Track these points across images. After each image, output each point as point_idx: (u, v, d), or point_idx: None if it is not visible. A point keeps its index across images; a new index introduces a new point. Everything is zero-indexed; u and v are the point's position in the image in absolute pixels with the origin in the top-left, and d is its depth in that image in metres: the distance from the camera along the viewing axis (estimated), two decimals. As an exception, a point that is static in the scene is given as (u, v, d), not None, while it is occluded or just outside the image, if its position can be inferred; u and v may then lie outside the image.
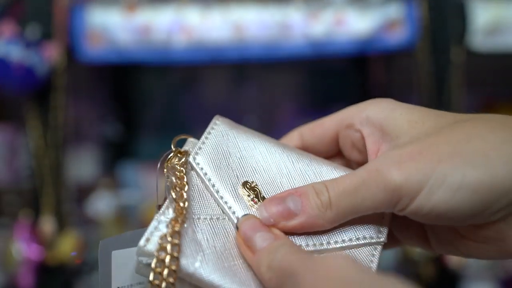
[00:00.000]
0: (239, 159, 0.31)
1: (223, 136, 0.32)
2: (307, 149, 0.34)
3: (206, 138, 0.31)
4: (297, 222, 0.27)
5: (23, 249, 0.98)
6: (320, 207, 0.27)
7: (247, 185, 0.30)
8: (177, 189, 0.28)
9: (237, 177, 0.30)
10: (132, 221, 1.19)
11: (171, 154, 0.30)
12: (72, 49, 1.04)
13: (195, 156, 0.30)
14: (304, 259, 0.24)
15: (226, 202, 0.29)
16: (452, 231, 0.29)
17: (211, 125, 0.32)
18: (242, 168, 0.30)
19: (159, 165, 0.29)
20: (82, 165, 1.27)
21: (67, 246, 0.99)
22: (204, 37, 1.04)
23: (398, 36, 1.05)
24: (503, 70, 1.27)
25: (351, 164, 0.35)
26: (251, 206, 0.29)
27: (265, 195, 0.29)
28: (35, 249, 0.98)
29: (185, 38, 1.04)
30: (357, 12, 1.05)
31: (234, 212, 0.28)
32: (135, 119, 1.42)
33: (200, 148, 0.31)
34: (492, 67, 1.26)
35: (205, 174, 0.30)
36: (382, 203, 0.26)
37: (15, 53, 0.93)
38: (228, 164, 0.30)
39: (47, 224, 0.99)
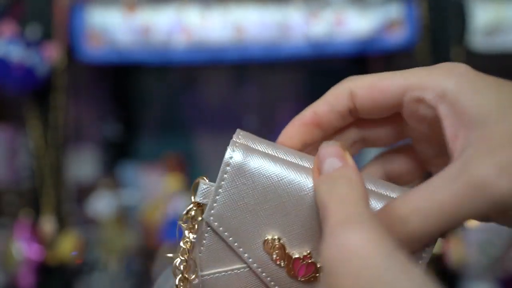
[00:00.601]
0: (259, 210, 0.26)
1: (237, 185, 0.26)
2: (358, 113, 0.29)
3: (219, 190, 0.26)
4: None
5: (23, 249, 0.98)
6: (412, 240, 0.24)
7: (269, 243, 0.26)
8: (188, 245, 0.27)
9: (259, 232, 0.26)
10: (132, 221, 1.19)
11: (191, 206, 0.27)
12: (72, 49, 1.04)
13: (210, 216, 0.26)
14: (346, 215, 0.21)
15: (249, 258, 0.26)
16: None
17: (225, 163, 0.27)
18: (263, 220, 0.26)
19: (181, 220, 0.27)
20: (82, 165, 1.27)
21: (67, 246, 0.99)
22: (204, 38, 1.04)
23: (398, 36, 1.05)
24: (503, 70, 1.27)
25: (413, 133, 0.30)
26: (277, 265, 0.26)
27: (289, 251, 0.26)
28: (35, 249, 0.98)
29: (185, 39, 1.04)
30: (357, 12, 1.05)
31: (259, 269, 0.26)
32: (135, 119, 1.43)
33: (214, 203, 0.26)
34: (492, 67, 1.26)
35: (225, 234, 0.26)
36: (486, 216, 0.24)
37: (15, 53, 0.93)
38: (246, 218, 0.26)
39: (47, 224, 0.99)
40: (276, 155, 0.27)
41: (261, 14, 1.04)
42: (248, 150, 0.27)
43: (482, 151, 0.23)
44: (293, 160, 0.27)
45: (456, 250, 0.98)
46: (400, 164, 0.32)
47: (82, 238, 1.04)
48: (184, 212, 0.27)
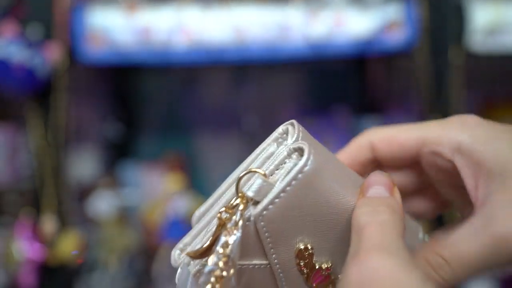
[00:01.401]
0: (307, 221, 0.25)
1: (300, 195, 0.24)
2: (378, 163, 0.31)
3: (281, 194, 0.24)
4: None
5: (24, 248, 0.98)
6: (443, 283, 0.25)
7: (302, 252, 0.26)
8: (226, 239, 0.24)
9: (297, 239, 0.26)
10: (133, 221, 1.19)
11: (237, 201, 0.24)
12: (73, 50, 1.05)
13: (260, 216, 0.24)
14: (379, 245, 0.22)
15: (275, 259, 0.26)
16: None
17: (298, 169, 0.24)
18: (306, 230, 0.26)
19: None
20: (83, 165, 1.28)
21: (68, 246, 1.00)
22: (204, 38, 1.05)
23: (398, 37, 1.06)
24: (503, 70, 1.27)
25: (432, 181, 0.31)
26: (299, 271, 0.26)
27: (315, 260, 0.26)
28: (36, 248, 0.98)
29: (185, 39, 1.04)
30: (357, 13, 1.05)
31: (279, 270, 0.26)
32: (136, 119, 1.43)
33: (270, 205, 0.24)
34: (491, 68, 1.26)
35: (265, 235, 0.25)
36: (507, 268, 0.25)
37: (16, 53, 0.94)
38: (292, 225, 0.25)
39: (48, 224, 0.99)
40: (341, 172, 0.27)
41: (261, 15, 1.05)
42: (321, 163, 0.25)
43: (504, 204, 0.24)
44: (352, 181, 0.27)
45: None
46: (420, 203, 0.34)
47: (83, 237, 1.05)
48: (230, 204, 0.24)
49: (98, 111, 1.38)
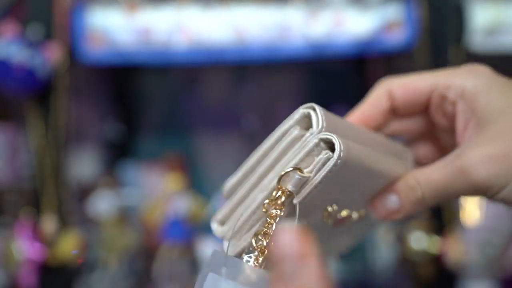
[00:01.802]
0: (337, 192, 0.28)
1: (333, 179, 0.27)
2: (394, 111, 0.34)
3: (319, 184, 0.26)
4: (399, 216, 0.31)
5: (24, 248, 0.98)
6: (415, 203, 0.30)
7: (328, 212, 0.29)
8: (266, 237, 0.26)
9: (325, 204, 0.29)
10: (133, 221, 1.19)
11: (278, 193, 0.26)
12: (73, 50, 1.05)
13: (299, 203, 0.26)
14: None
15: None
16: None
17: (333, 163, 0.26)
18: (335, 197, 0.29)
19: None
20: (83, 164, 1.28)
21: (68, 245, 1.00)
22: (204, 38, 1.05)
23: (398, 37, 1.06)
24: (503, 70, 1.27)
25: (436, 128, 0.35)
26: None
27: (337, 215, 0.30)
28: (36, 248, 0.98)
29: (185, 39, 1.05)
30: (357, 13, 1.05)
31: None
32: (136, 119, 1.43)
33: (309, 195, 0.26)
34: (491, 68, 1.26)
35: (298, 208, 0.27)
36: (469, 194, 0.29)
37: (17, 53, 0.94)
38: (323, 197, 0.28)
39: (48, 224, 0.99)
40: (365, 147, 0.29)
41: (261, 15, 1.05)
42: (350, 150, 0.26)
43: (477, 142, 0.28)
44: (376, 145, 0.31)
45: (454, 250, 0.98)
46: (424, 150, 0.37)
47: (83, 237, 1.05)
48: (272, 197, 0.26)
49: (98, 111, 1.38)
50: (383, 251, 1.15)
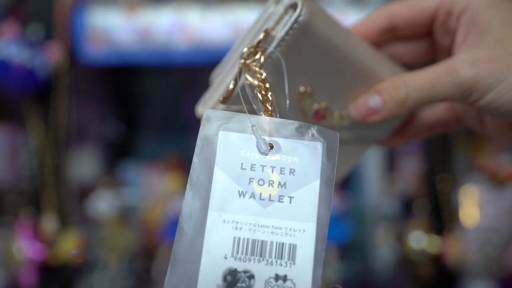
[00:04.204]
0: (309, 66, 0.29)
1: (300, 42, 0.28)
2: (394, 31, 0.34)
3: (283, 41, 0.28)
4: (380, 117, 0.31)
5: (24, 248, 0.98)
6: (397, 103, 0.30)
7: (300, 95, 0.30)
8: (262, 92, 0.27)
9: (300, 81, 0.30)
10: (133, 221, 1.19)
11: (251, 50, 0.28)
12: (73, 50, 1.05)
13: (270, 57, 0.28)
14: None
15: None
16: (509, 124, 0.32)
17: (293, 18, 0.27)
18: (309, 75, 0.30)
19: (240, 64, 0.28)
20: (84, 164, 1.28)
21: (69, 245, 1.00)
22: (204, 38, 1.05)
23: (397, 37, 1.06)
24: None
25: (437, 52, 0.35)
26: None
27: (314, 104, 0.31)
28: (37, 248, 0.98)
29: (185, 39, 1.05)
30: (357, 13, 1.05)
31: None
32: (136, 119, 1.43)
33: (275, 50, 0.28)
34: None
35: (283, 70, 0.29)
36: (454, 97, 0.29)
37: (17, 53, 0.94)
38: (297, 69, 0.29)
39: (49, 223, 1.00)
40: (341, 29, 0.31)
41: (261, 15, 1.05)
42: (315, 13, 0.28)
43: (466, 48, 0.29)
44: (353, 38, 0.32)
45: (454, 250, 0.98)
46: None
47: (83, 237, 1.05)
48: (252, 47, 0.28)
49: (98, 111, 1.38)
50: (383, 251, 1.15)
